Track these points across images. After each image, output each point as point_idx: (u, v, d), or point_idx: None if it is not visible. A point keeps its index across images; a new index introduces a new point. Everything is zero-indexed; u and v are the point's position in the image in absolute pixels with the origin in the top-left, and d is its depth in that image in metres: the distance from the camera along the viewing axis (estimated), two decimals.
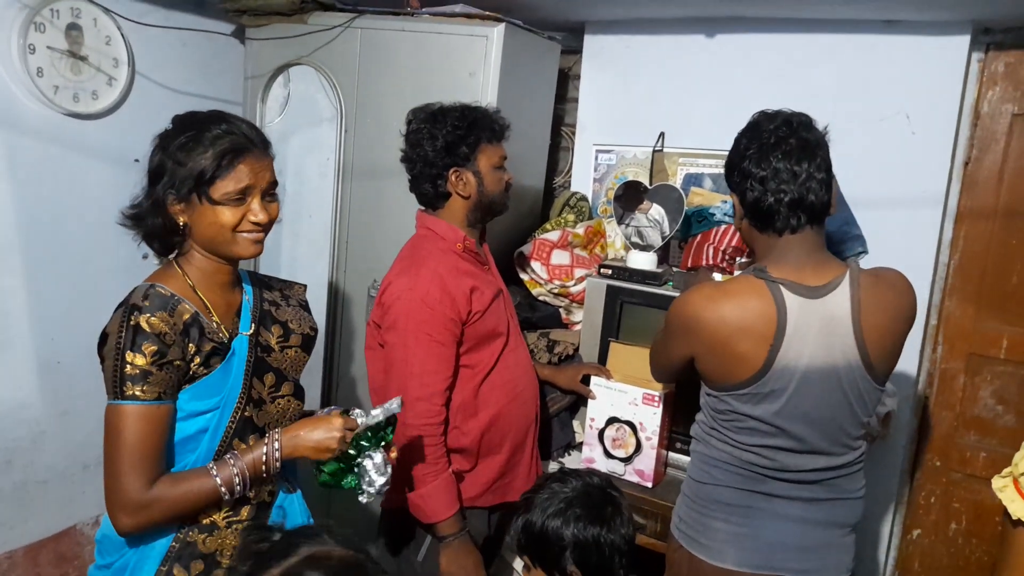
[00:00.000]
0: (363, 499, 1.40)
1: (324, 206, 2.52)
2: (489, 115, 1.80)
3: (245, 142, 1.30)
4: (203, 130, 1.29)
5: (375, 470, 1.38)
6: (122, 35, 2.38)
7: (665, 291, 2.06)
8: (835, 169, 2.25)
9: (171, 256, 1.38)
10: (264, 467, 1.31)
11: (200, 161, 1.27)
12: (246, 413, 1.36)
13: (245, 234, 1.32)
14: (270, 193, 1.35)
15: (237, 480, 1.28)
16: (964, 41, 2.10)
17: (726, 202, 2.28)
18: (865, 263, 2.24)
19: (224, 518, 1.35)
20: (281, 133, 2.62)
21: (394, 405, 1.40)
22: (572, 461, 2.13)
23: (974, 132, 2.21)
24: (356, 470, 1.39)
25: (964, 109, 2.19)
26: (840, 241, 2.25)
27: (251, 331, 1.39)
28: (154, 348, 1.23)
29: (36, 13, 2.15)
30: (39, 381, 2.31)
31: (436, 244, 1.77)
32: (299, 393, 1.49)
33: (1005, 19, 2.06)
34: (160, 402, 1.25)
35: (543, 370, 2.09)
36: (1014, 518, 1.10)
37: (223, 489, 1.27)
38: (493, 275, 1.89)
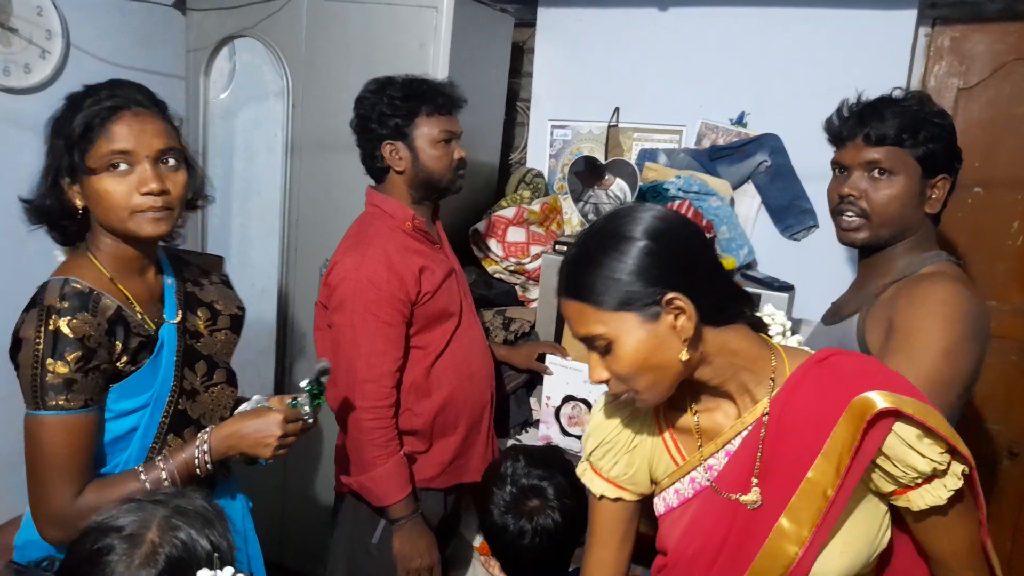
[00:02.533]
0: (262, 462, 1.34)
1: (273, 183, 2.45)
2: (434, 87, 1.74)
3: (121, 101, 1.17)
4: (81, 97, 1.18)
5: None
6: (54, 5, 2.26)
7: None
8: (787, 143, 2.29)
9: (81, 244, 1.27)
10: (196, 469, 1.23)
11: (72, 128, 1.16)
12: (179, 406, 1.28)
13: (144, 210, 1.18)
14: (168, 160, 1.20)
15: (167, 484, 1.19)
16: (911, 15, 2.12)
17: (679, 177, 2.28)
18: (816, 237, 2.28)
19: None
20: (227, 108, 2.54)
21: (320, 365, 1.36)
22: (529, 438, 2.13)
23: None
24: None
25: (911, 83, 2.21)
26: (791, 215, 2.28)
27: (178, 318, 1.30)
28: (78, 354, 1.13)
29: None
30: None
31: (384, 222, 1.73)
32: (232, 379, 1.41)
33: None
34: (86, 410, 1.16)
35: (499, 350, 2.08)
36: (597, 495, 1.18)
37: None
38: (445, 254, 1.85)
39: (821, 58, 2.23)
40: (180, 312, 1.31)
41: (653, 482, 1.15)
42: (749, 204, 2.34)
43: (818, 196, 2.25)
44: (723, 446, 1.06)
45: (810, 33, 2.24)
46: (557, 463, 1.41)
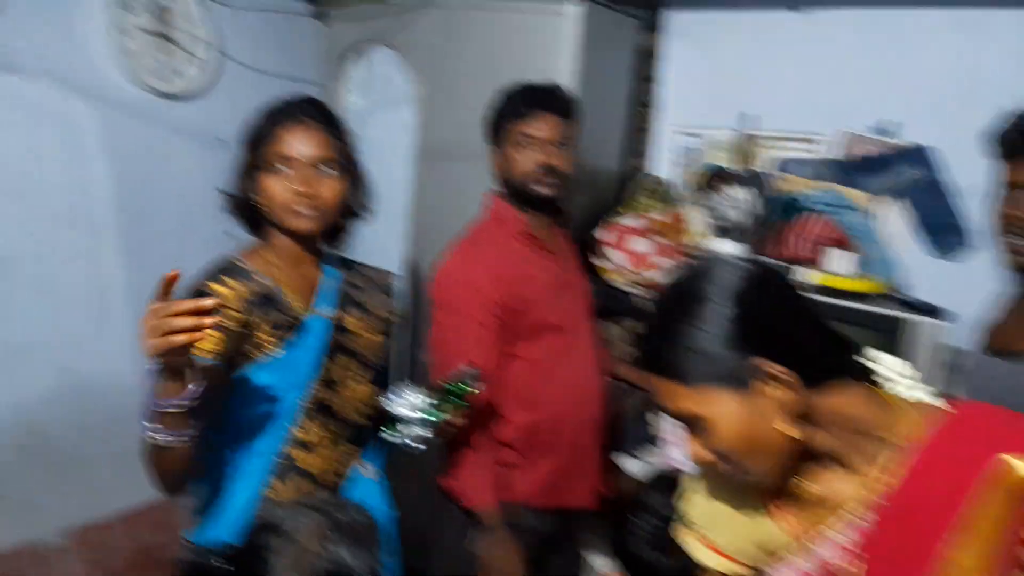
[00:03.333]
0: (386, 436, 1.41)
1: (401, 190, 2.51)
2: (525, 87, 1.73)
3: (293, 110, 1.34)
4: (270, 109, 1.36)
5: (408, 434, 1.39)
6: (209, 16, 2.42)
7: None
8: (940, 155, 2.12)
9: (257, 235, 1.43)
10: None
11: (255, 129, 1.36)
12: (320, 395, 1.37)
13: (294, 207, 1.32)
14: (323, 167, 1.34)
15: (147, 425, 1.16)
16: None
17: (816, 190, 2.15)
18: (971, 258, 2.08)
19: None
20: (360, 115, 2.63)
21: (464, 368, 1.41)
22: (652, 457, 2.07)
23: None
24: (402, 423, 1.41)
25: None
26: (943, 233, 2.11)
27: (329, 312, 1.40)
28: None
29: None
30: (137, 354, 2.39)
31: (495, 226, 1.74)
32: (377, 378, 1.49)
33: None
34: (209, 360, 1.22)
35: (621, 366, 2.03)
36: (707, 567, 1.08)
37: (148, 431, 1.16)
38: (560, 265, 1.80)
39: (983, 63, 2.05)
40: (333, 307, 1.41)
41: (769, 554, 1.05)
42: (894, 221, 2.18)
43: (974, 213, 2.07)
44: (844, 519, 0.94)
45: (970, 36, 2.06)
46: None
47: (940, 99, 2.11)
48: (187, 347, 1.08)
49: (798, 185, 2.24)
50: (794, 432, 0.87)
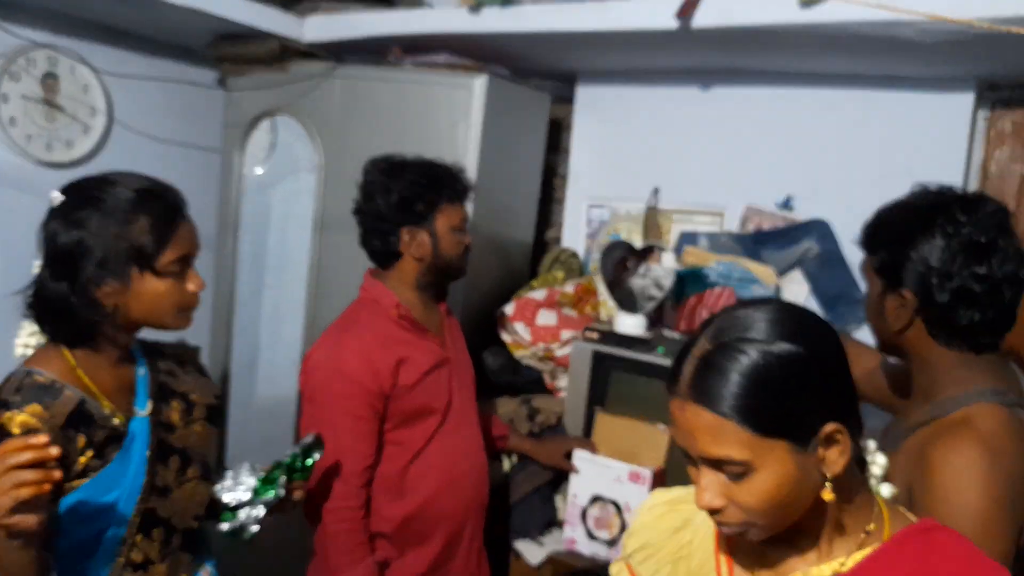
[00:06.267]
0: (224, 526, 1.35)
1: (302, 258, 2.42)
2: (452, 173, 1.69)
3: (177, 202, 1.21)
4: (120, 196, 1.15)
5: (248, 518, 1.35)
6: (100, 83, 2.32)
7: (655, 359, 1.93)
8: (837, 229, 2.16)
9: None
10: None
11: (136, 230, 1.14)
12: (149, 504, 1.21)
13: (190, 307, 1.23)
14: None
15: None
16: (969, 99, 2.00)
17: (720, 263, 2.16)
18: (859, 329, 2.11)
19: None
20: (262, 183, 2.55)
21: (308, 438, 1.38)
22: (553, 540, 1.98)
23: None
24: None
25: (971, 169, 2.08)
26: (842, 305, 2.13)
27: (149, 409, 1.24)
28: None
29: (11, 62, 2.09)
30: None
31: (370, 309, 1.65)
32: (207, 474, 1.33)
33: (1012, 76, 1.96)
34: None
35: (523, 444, 1.95)
36: None
37: None
38: (439, 344, 1.72)
39: (873, 141, 2.12)
40: (151, 403, 1.26)
41: None
42: (796, 292, 2.20)
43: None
44: None
45: (861, 115, 2.14)
46: None
47: (835, 174, 2.17)
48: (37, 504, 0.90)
49: (703, 259, 2.24)
50: (832, 498, 0.84)
